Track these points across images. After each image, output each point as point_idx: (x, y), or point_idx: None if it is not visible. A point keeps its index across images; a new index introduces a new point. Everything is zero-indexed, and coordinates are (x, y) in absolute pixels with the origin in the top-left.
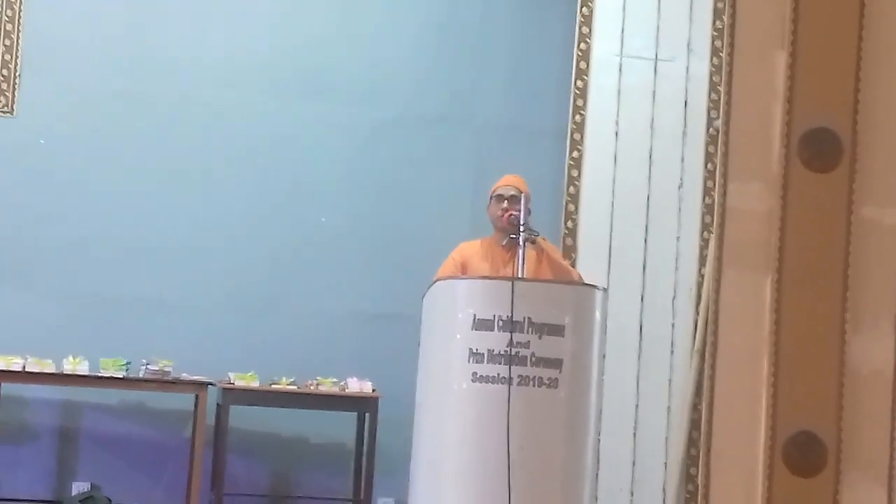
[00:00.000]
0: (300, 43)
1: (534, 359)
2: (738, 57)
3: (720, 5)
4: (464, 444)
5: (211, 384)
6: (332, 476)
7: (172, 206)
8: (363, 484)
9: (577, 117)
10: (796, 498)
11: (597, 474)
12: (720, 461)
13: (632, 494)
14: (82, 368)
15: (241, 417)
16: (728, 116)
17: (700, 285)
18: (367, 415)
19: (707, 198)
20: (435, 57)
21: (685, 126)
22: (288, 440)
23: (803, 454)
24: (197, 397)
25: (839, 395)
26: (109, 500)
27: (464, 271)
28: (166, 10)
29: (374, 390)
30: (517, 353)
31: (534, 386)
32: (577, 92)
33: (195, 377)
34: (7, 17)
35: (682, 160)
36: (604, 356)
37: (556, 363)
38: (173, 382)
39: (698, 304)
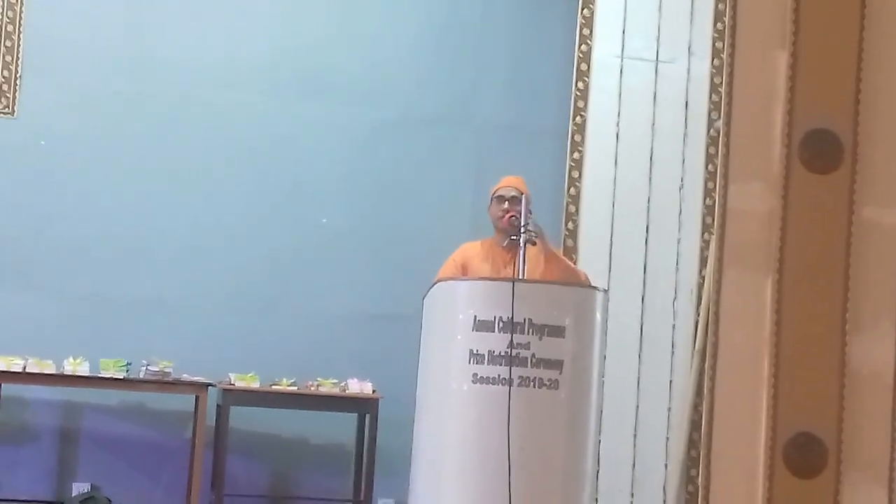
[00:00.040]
0: (300, 43)
1: (534, 360)
2: (739, 58)
3: (721, 6)
4: (464, 445)
5: (211, 385)
6: (333, 477)
7: (172, 206)
8: (363, 485)
9: (578, 118)
10: (797, 499)
11: (597, 475)
12: (720, 462)
13: (632, 495)
14: (83, 369)
15: (242, 418)
16: (729, 117)
17: (701, 286)
18: (367, 416)
19: (708, 199)
20: (435, 57)
21: (686, 127)
22: (288, 441)
23: (804, 455)
24: (197, 398)
25: (840, 395)
26: (109, 501)
27: (464, 272)
28: (166, 10)
29: (374, 391)
30: (518, 354)
31: (534, 387)
32: (578, 93)
33: (195, 378)
34: (8, 18)
35: (683, 161)
36: (604, 357)
37: (556, 364)
38: (173, 383)
39: (699, 305)
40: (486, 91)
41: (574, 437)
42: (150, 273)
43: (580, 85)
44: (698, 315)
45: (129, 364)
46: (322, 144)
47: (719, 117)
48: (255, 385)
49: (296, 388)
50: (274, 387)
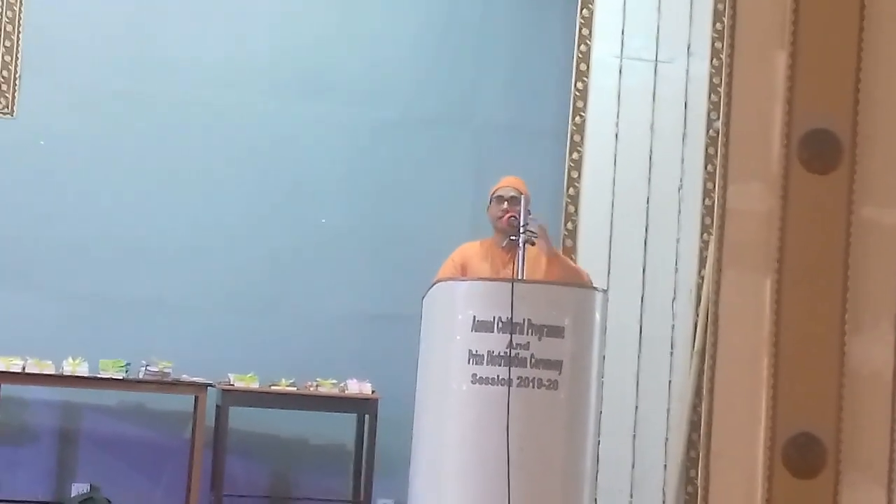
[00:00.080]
0: (300, 43)
1: (533, 360)
2: (738, 58)
3: (720, 6)
4: (463, 446)
5: (210, 385)
6: (332, 477)
7: (172, 206)
8: (362, 485)
9: (578, 119)
10: (796, 499)
11: (596, 475)
12: (720, 462)
13: (631, 496)
14: (82, 370)
15: (241, 418)
16: (728, 117)
17: (700, 286)
18: (366, 416)
19: (707, 199)
20: (435, 57)
21: (685, 127)
22: (287, 441)
23: (803, 455)
24: (196, 398)
25: (839, 395)
26: (109, 502)
27: (463, 273)
28: (166, 10)
29: (373, 391)
30: (517, 354)
31: (533, 387)
32: (577, 93)
33: (195, 378)
34: (7, 17)
35: (682, 161)
36: (603, 357)
37: (555, 365)
38: (173, 384)
39: (698, 305)
40: (485, 91)
41: (573, 437)
42: (150, 273)
43: (579, 85)
44: (697, 315)
45: (128, 364)
46: (322, 144)
47: (718, 117)
48: (255, 385)
49: (295, 388)
50: (273, 387)
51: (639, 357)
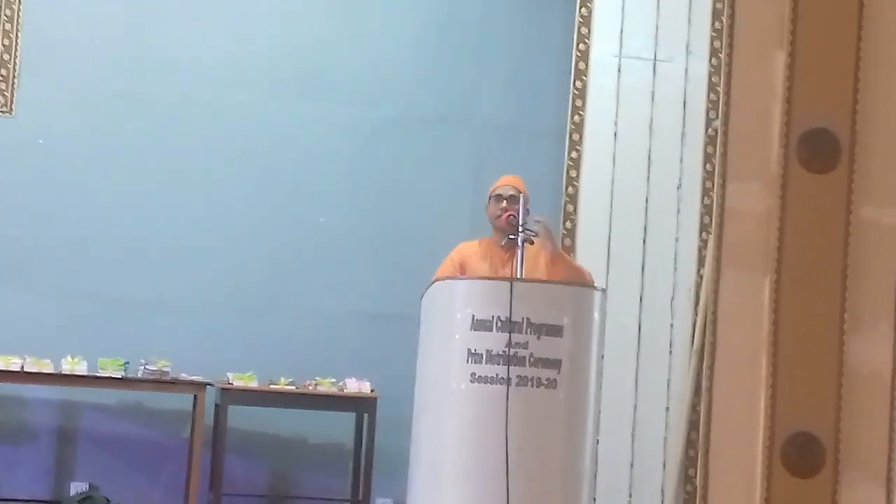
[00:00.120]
0: (300, 43)
1: (532, 359)
2: (737, 57)
3: (719, 6)
4: (462, 445)
5: (209, 384)
6: (331, 476)
7: (172, 206)
8: (361, 484)
9: (576, 118)
10: (795, 498)
11: (595, 475)
12: (719, 462)
13: (630, 495)
14: (81, 368)
15: (240, 417)
16: (727, 117)
17: (699, 286)
18: (365, 415)
19: (706, 198)
20: (435, 57)
21: (684, 127)
22: (286, 440)
23: (802, 455)
24: (195, 397)
25: (838, 395)
26: (108, 500)
27: (462, 272)
28: (166, 10)
29: (372, 390)
30: (516, 353)
31: (532, 386)
32: (576, 92)
33: (194, 377)
34: (6, 16)
35: (681, 161)
36: (602, 357)
37: (554, 364)
38: (172, 383)
39: (697, 304)
40: (485, 91)
41: (572, 436)
42: (150, 273)
43: (578, 84)
44: (696, 315)
45: (127, 363)
46: (322, 144)
47: (717, 117)
48: (254, 384)
49: (294, 387)
50: (272, 386)
51: (638, 356)
